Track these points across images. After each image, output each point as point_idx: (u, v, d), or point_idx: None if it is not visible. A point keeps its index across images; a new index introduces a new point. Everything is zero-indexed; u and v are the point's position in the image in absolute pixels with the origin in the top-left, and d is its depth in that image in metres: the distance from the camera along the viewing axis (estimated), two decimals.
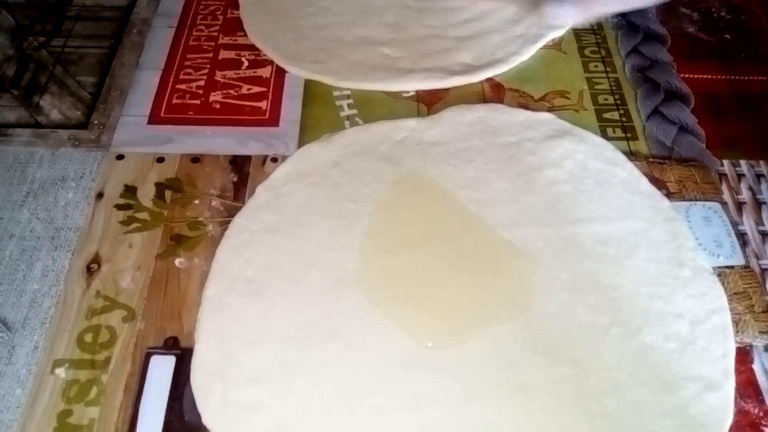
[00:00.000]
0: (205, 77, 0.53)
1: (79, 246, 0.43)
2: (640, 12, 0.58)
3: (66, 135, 0.49)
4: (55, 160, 0.48)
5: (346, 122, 0.50)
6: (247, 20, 0.58)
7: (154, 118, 0.50)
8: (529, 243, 0.42)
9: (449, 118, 0.50)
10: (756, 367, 0.38)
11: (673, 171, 0.47)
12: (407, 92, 0.52)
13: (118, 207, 0.45)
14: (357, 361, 0.38)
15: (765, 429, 0.36)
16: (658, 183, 0.46)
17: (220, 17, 0.59)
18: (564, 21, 0.54)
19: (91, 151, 0.48)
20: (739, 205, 0.46)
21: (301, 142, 0.49)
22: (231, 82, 0.53)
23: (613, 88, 0.53)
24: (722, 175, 0.47)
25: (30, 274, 0.42)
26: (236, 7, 0.59)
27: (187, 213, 0.45)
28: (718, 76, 0.54)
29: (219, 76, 0.54)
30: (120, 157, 0.48)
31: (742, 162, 0.48)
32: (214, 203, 0.45)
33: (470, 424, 0.36)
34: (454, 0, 0.59)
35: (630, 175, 0.46)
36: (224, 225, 0.44)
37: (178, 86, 0.53)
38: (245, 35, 0.57)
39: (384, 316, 0.39)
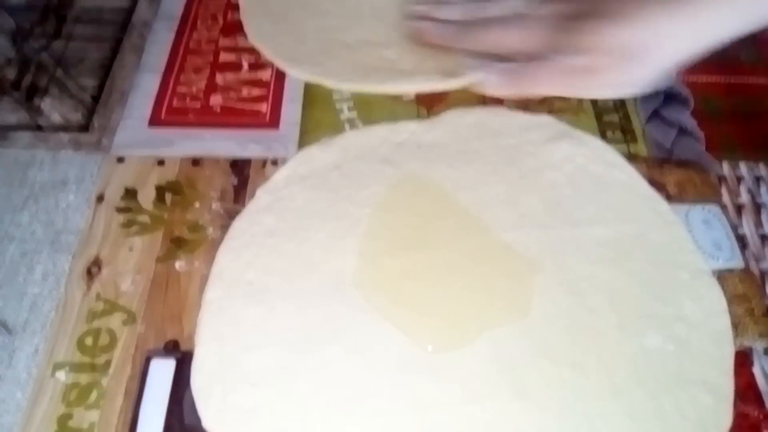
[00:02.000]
0: (205, 80, 0.53)
1: (79, 249, 0.43)
2: None
3: (66, 137, 0.49)
4: (55, 163, 0.48)
5: (346, 125, 0.50)
6: (247, 22, 0.58)
7: (154, 121, 0.51)
8: (529, 245, 0.43)
9: (449, 121, 0.50)
10: (756, 370, 0.38)
11: (672, 174, 0.47)
12: (407, 95, 0.52)
13: (119, 210, 0.45)
14: (357, 364, 0.38)
15: None
16: (657, 186, 0.46)
17: (221, 19, 0.59)
18: (492, 91, 0.48)
19: (91, 154, 0.48)
20: (739, 208, 0.46)
21: (301, 144, 0.49)
22: (231, 84, 0.53)
23: None
24: (721, 178, 0.47)
25: (30, 277, 0.42)
26: (237, 9, 0.59)
27: (188, 216, 0.45)
28: (718, 78, 0.54)
29: (219, 78, 0.54)
30: (120, 159, 0.48)
31: (742, 164, 0.48)
32: (214, 206, 0.45)
33: (470, 427, 0.36)
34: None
35: (629, 178, 0.46)
36: (224, 228, 0.44)
37: (178, 89, 0.53)
38: (245, 37, 0.57)
39: (384, 319, 0.39)
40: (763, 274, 0.43)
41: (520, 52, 0.45)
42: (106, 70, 0.54)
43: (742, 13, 0.40)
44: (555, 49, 0.43)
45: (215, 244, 0.43)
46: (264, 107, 0.51)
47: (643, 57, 0.41)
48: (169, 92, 0.53)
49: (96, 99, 0.52)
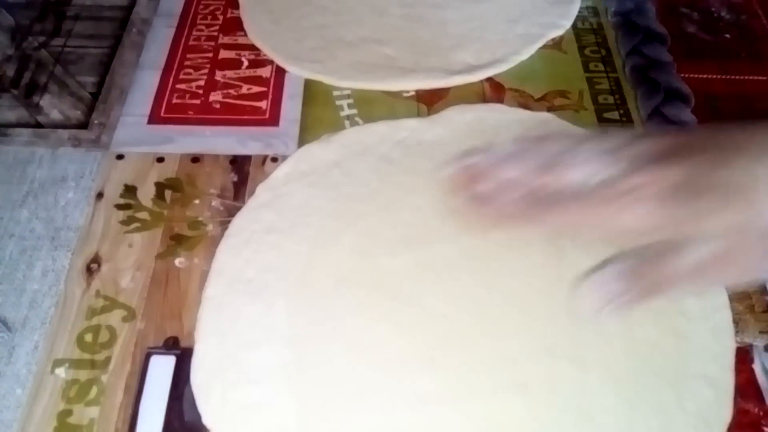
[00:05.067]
0: (205, 77, 0.53)
1: (79, 246, 0.43)
2: (640, 11, 0.58)
3: (66, 135, 0.49)
4: (55, 160, 0.48)
5: (346, 122, 0.50)
6: (247, 20, 0.58)
7: (154, 118, 0.50)
8: (530, 243, 0.42)
9: (449, 118, 0.50)
10: (756, 366, 0.38)
11: None
12: (407, 92, 0.52)
13: (118, 207, 0.45)
14: (357, 361, 0.38)
15: (765, 429, 0.36)
16: None
17: (220, 17, 0.59)
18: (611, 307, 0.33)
19: (91, 151, 0.48)
20: None
21: (301, 141, 0.49)
22: (231, 81, 0.53)
23: (613, 87, 0.53)
24: None
25: (30, 273, 0.42)
26: (236, 6, 0.59)
27: (187, 213, 0.45)
28: (718, 76, 0.54)
29: (219, 75, 0.54)
30: (120, 156, 0.48)
31: None
32: (214, 203, 0.45)
33: (471, 423, 0.36)
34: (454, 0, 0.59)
35: None
36: (224, 225, 0.44)
37: (178, 86, 0.53)
38: (245, 35, 0.57)
39: (384, 316, 0.39)
40: None
41: (628, 234, 0.33)
42: (105, 67, 0.54)
43: None
44: (676, 230, 0.31)
45: (215, 241, 0.43)
46: (264, 104, 0.51)
47: None
48: (168, 89, 0.52)
49: (95, 96, 0.52)
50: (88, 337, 0.39)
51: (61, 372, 0.38)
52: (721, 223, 0.30)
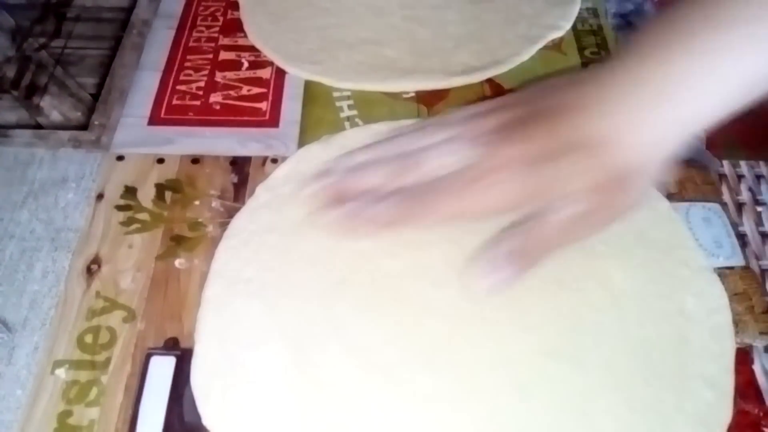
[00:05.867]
0: (205, 78, 0.53)
1: (79, 247, 0.43)
2: (640, 13, 0.58)
3: (66, 136, 0.49)
4: (55, 161, 0.48)
5: (346, 123, 0.50)
6: (247, 21, 0.58)
7: (154, 119, 0.51)
8: None
9: None
10: (756, 367, 0.38)
11: (672, 172, 0.47)
12: (407, 93, 0.52)
13: (118, 208, 0.45)
14: (357, 362, 0.38)
15: (765, 430, 0.36)
16: (657, 184, 0.46)
17: (221, 18, 0.59)
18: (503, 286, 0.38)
19: (91, 152, 0.48)
20: (739, 206, 0.46)
21: (301, 142, 0.49)
22: (231, 83, 0.53)
23: None
24: (722, 176, 0.47)
25: (30, 274, 0.42)
26: (236, 8, 0.59)
27: (188, 214, 0.45)
28: None
29: (219, 77, 0.54)
30: (120, 158, 0.48)
31: (742, 163, 0.48)
32: (214, 204, 0.45)
33: (471, 423, 0.36)
34: (454, 0, 0.59)
35: None
36: (224, 226, 0.44)
37: (178, 87, 0.53)
38: (245, 36, 0.57)
39: (384, 317, 0.39)
40: (763, 271, 0.42)
41: (499, 211, 0.37)
42: (105, 68, 0.54)
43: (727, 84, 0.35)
44: (538, 199, 0.36)
45: (215, 242, 0.43)
46: (264, 105, 0.51)
47: (628, 165, 0.36)
48: (168, 90, 0.53)
49: (96, 97, 0.52)
50: (89, 338, 0.39)
51: (61, 373, 0.38)
52: (579, 183, 0.35)
